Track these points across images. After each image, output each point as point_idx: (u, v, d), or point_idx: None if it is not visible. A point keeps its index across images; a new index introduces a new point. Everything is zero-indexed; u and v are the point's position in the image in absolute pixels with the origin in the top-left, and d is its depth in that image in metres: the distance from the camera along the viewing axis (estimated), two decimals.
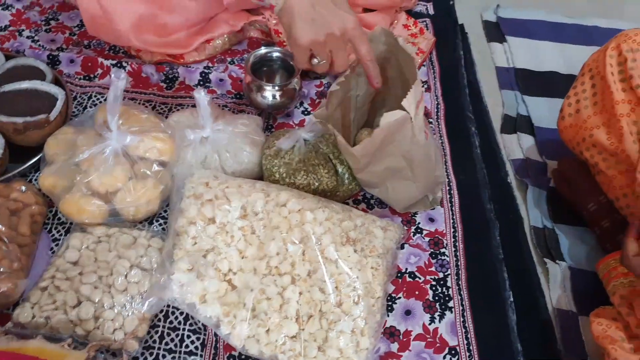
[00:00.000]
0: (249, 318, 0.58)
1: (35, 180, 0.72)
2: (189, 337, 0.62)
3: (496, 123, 0.96)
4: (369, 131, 0.83)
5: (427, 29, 1.08)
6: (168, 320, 0.62)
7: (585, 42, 1.11)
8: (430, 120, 0.92)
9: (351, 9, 0.68)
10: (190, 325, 0.62)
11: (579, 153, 0.77)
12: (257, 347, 0.57)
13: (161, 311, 0.63)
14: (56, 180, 0.69)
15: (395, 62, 0.75)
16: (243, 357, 0.61)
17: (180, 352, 0.60)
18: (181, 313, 0.63)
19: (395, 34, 1.00)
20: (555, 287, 0.75)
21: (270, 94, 0.82)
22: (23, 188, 0.68)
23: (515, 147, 0.92)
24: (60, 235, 0.69)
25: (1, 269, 0.58)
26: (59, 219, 0.71)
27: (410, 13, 1.10)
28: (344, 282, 0.60)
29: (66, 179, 0.68)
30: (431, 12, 1.14)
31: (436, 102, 0.95)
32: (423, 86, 0.97)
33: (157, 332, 0.61)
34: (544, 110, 0.96)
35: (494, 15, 1.16)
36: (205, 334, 0.62)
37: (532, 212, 0.83)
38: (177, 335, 0.61)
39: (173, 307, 0.63)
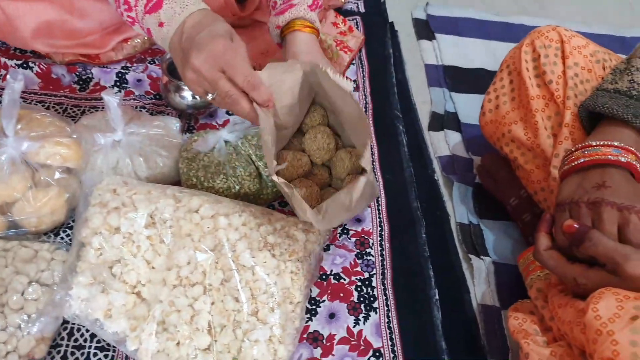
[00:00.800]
0: (157, 332, 0.55)
1: None
2: (95, 355, 0.58)
3: (424, 121, 0.96)
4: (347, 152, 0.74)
5: (357, 27, 1.07)
6: (73, 338, 0.58)
7: (512, 40, 1.13)
8: None
9: (222, 22, 0.58)
10: (98, 342, 0.58)
11: (500, 148, 0.78)
12: None
13: (64, 329, 0.59)
14: None
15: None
16: None
17: None
18: (87, 330, 0.59)
19: (324, 31, 0.99)
20: (480, 282, 0.76)
21: (189, 93, 0.79)
22: None
23: (443, 144, 0.93)
24: None
25: None
26: None
27: (339, 11, 1.09)
28: (260, 289, 0.58)
29: None
30: (362, 9, 1.14)
31: (365, 101, 0.94)
32: (353, 84, 0.96)
33: (59, 352, 0.57)
34: (471, 107, 0.97)
35: (424, 12, 1.17)
36: (114, 351, 0.58)
37: (458, 209, 0.84)
38: (82, 354, 0.57)
39: (78, 324, 0.59)
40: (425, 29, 1.14)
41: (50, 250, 0.62)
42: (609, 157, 0.57)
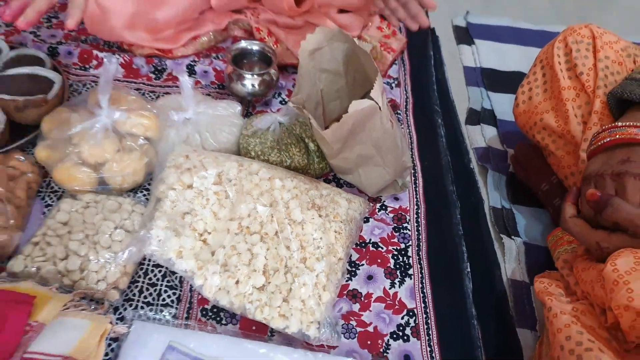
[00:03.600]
0: (220, 271, 0.64)
1: (32, 153, 0.78)
2: (166, 292, 0.67)
3: (462, 116, 1.03)
4: None
5: (400, 32, 1.16)
6: (147, 277, 0.68)
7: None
8: (399, 112, 0.99)
9: None
10: (168, 281, 0.68)
11: (532, 137, 0.84)
12: (227, 298, 0.63)
13: (141, 269, 0.69)
14: (50, 152, 0.75)
15: (357, 62, 0.81)
16: (215, 309, 0.66)
17: (157, 304, 0.66)
18: (160, 271, 0.69)
19: (370, 35, 1.08)
20: (510, 260, 0.81)
21: (249, 82, 0.89)
22: (22, 158, 0.75)
23: (479, 137, 0.99)
24: (53, 201, 0.75)
25: (7, 210, 0.64)
26: (52, 188, 0.77)
27: (384, 17, 1.18)
28: (308, 241, 0.66)
29: (59, 151, 0.75)
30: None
31: (405, 97, 1.03)
32: (394, 82, 1.05)
33: (137, 286, 0.67)
34: (507, 105, 1.03)
35: (464, 20, 1.25)
36: (181, 290, 0.68)
37: (492, 195, 0.90)
38: (155, 290, 0.67)
39: (152, 266, 0.69)
40: (465, 35, 1.22)
41: (131, 204, 0.73)
42: (635, 136, 0.62)
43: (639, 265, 0.53)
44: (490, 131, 0.99)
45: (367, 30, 1.11)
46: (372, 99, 0.67)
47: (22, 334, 0.54)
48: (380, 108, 0.68)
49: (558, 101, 0.78)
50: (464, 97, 1.08)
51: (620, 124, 0.64)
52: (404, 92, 1.03)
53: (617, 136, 0.63)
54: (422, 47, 1.15)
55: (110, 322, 0.59)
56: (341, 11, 1.05)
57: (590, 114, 0.74)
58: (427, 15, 1.23)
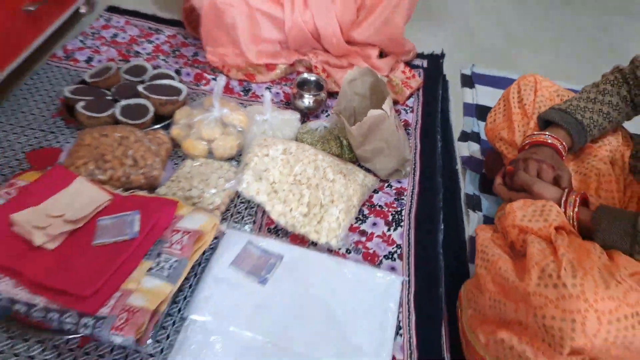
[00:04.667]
0: (281, 203, 1.05)
1: (169, 132, 1.24)
2: (246, 217, 1.09)
3: (456, 135, 1.43)
4: None
5: (419, 76, 1.59)
6: (236, 209, 1.11)
7: None
8: (409, 129, 1.40)
9: None
10: (248, 212, 1.10)
11: (494, 145, 1.22)
12: (284, 219, 1.04)
13: (234, 205, 1.11)
14: (179, 131, 1.21)
15: (378, 89, 1.24)
16: (275, 228, 1.08)
17: (242, 223, 1.08)
18: (243, 204, 1.11)
19: (395, 75, 1.52)
20: (473, 226, 1.19)
21: (307, 100, 1.34)
22: (163, 133, 1.21)
23: (465, 150, 1.38)
24: (177, 163, 1.21)
25: (156, 160, 1.10)
26: (180, 156, 1.23)
27: (408, 64, 1.61)
28: (335, 191, 1.07)
29: (185, 131, 1.21)
30: (424, 65, 1.66)
31: (416, 120, 1.44)
32: (409, 109, 1.47)
33: (230, 213, 1.10)
34: None
35: (470, 70, 1.66)
36: (255, 217, 1.10)
37: (467, 186, 1.28)
38: (240, 215, 1.10)
39: (239, 202, 1.12)
40: (469, 81, 1.63)
41: (227, 166, 1.17)
42: (543, 140, 1.01)
43: (525, 204, 0.90)
44: (474, 146, 1.38)
45: (394, 72, 1.55)
46: (383, 110, 1.09)
47: (172, 218, 0.97)
48: (388, 116, 1.10)
49: (510, 122, 1.17)
50: (460, 123, 1.47)
51: (536, 132, 1.02)
52: (416, 116, 1.45)
53: (533, 140, 1.02)
54: (434, 87, 1.57)
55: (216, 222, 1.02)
56: (380, 56, 1.49)
57: (527, 130, 1.12)
58: (442, 65, 1.66)
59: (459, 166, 1.34)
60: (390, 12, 1.41)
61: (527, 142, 1.03)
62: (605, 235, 0.81)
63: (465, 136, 1.43)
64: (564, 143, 1.00)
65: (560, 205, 0.87)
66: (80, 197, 0.98)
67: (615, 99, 1.03)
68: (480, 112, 1.50)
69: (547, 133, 1.02)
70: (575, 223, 0.85)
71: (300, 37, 1.44)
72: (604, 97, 1.03)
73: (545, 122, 1.07)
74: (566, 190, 0.90)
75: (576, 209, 0.86)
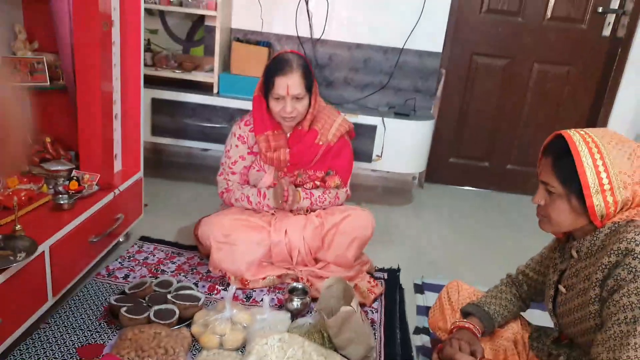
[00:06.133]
0: None
1: (189, 329, 1.61)
2: None
3: (411, 329, 1.82)
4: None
5: (382, 285, 2.06)
6: None
7: None
8: (375, 325, 1.80)
9: None
10: None
11: (436, 333, 1.62)
12: None
13: None
14: (198, 329, 1.60)
15: (349, 294, 1.69)
16: None
17: None
18: None
19: (361, 284, 1.99)
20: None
21: (296, 303, 1.77)
22: (186, 329, 1.59)
23: (418, 340, 1.76)
24: (194, 353, 1.56)
25: (181, 349, 1.46)
26: (197, 348, 1.58)
27: (373, 275, 2.10)
28: None
29: (203, 329, 1.59)
30: (385, 277, 2.14)
31: (380, 318, 1.85)
32: (375, 310, 1.89)
33: None
34: None
35: (421, 281, 2.15)
36: None
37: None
38: None
39: None
40: (420, 288, 2.10)
41: (235, 355, 1.52)
42: (462, 325, 1.43)
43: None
44: (425, 338, 1.77)
45: (362, 280, 2.02)
46: (352, 307, 1.53)
47: None
48: (355, 311, 1.53)
49: (443, 315, 1.60)
50: (414, 320, 1.89)
51: (458, 320, 1.45)
52: (380, 315, 1.86)
53: (457, 325, 1.44)
54: (393, 293, 2.02)
55: None
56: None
57: (455, 320, 1.54)
58: (399, 277, 2.16)
59: (414, 353, 1.70)
60: (343, 251, 2.00)
61: (453, 327, 1.45)
62: None
63: (418, 330, 1.83)
64: (477, 327, 1.42)
65: None
66: None
67: (509, 295, 1.49)
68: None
69: (465, 320, 1.44)
70: None
71: (280, 255, 1.97)
72: (502, 295, 1.50)
73: (465, 313, 1.50)
74: (479, 357, 1.29)
75: None
